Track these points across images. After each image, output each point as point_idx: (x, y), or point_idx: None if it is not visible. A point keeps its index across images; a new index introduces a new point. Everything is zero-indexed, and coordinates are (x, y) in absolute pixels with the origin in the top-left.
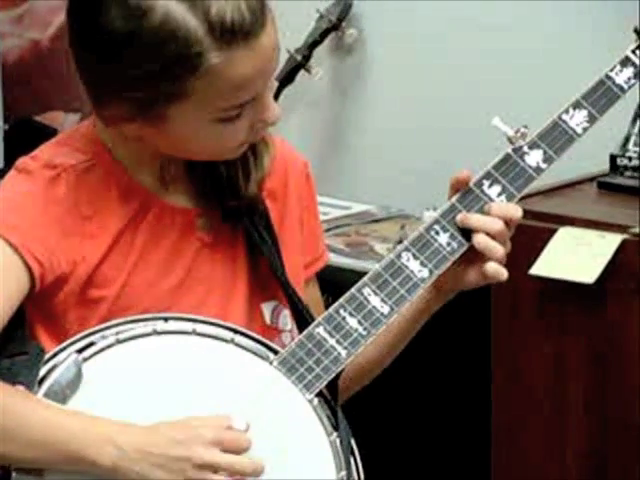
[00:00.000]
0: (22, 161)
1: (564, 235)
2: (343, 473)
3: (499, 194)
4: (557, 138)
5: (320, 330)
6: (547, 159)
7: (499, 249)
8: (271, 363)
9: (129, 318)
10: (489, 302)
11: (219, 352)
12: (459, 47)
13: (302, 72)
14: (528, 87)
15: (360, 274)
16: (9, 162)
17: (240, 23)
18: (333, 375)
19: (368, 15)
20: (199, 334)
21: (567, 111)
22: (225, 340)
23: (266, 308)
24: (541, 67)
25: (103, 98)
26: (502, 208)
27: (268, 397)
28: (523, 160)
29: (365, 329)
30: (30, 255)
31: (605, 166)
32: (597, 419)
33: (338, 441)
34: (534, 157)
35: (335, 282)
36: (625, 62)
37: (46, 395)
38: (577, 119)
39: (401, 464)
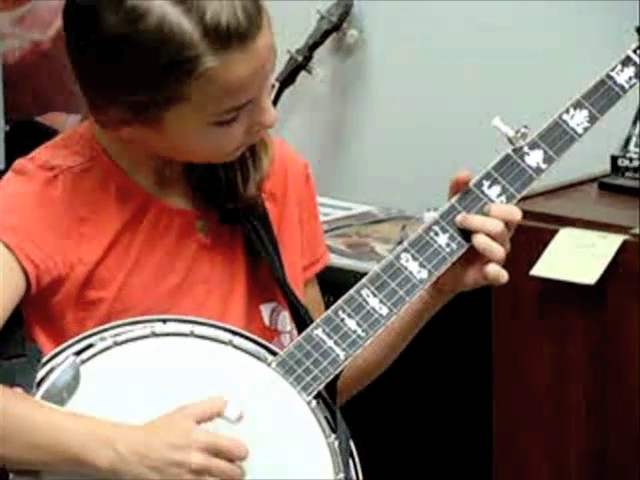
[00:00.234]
0: (19, 162)
1: (565, 236)
2: (341, 475)
3: (499, 195)
4: (557, 138)
5: (319, 332)
6: (547, 159)
7: (499, 250)
8: (269, 365)
9: (127, 320)
10: (490, 303)
11: (217, 354)
12: (459, 47)
13: (303, 73)
14: (528, 87)
15: (361, 275)
16: (10, 163)
17: (235, 26)
18: (331, 377)
19: (369, 16)
20: (197, 336)
21: (568, 111)
22: (223, 342)
23: (265, 309)
24: (541, 67)
25: (99, 101)
26: (502, 209)
27: (266, 399)
28: (523, 160)
29: (364, 330)
30: (25, 256)
31: (606, 167)
32: (597, 419)
33: (336, 443)
34: (534, 157)
35: (336, 283)
36: (626, 62)
37: (44, 397)
38: (578, 119)
39: (401, 465)
